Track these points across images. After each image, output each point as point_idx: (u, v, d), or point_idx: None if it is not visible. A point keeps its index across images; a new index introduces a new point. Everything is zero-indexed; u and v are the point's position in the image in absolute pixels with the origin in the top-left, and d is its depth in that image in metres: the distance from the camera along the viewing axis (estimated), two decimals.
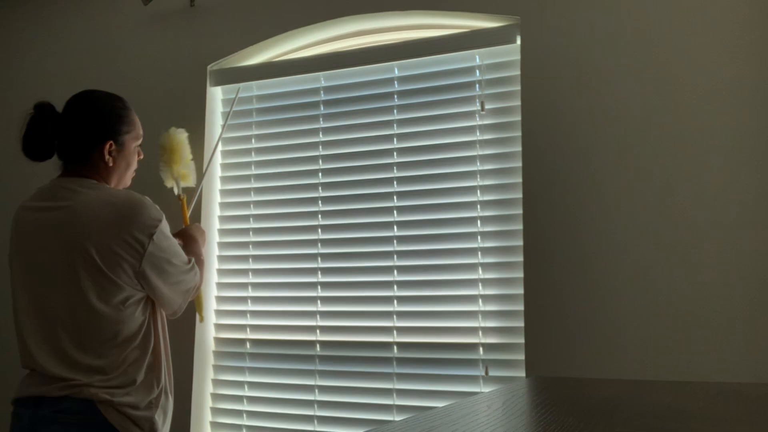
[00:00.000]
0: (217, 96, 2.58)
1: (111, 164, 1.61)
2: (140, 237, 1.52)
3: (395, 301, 2.19)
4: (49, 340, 1.51)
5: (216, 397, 2.41)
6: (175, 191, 2.08)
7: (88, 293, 1.49)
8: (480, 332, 2.06)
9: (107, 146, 1.60)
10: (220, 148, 2.53)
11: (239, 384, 2.37)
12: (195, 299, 1.92)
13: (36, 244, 1.56)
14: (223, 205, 2.50)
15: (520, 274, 2.02)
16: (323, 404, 2.23)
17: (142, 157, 1.74)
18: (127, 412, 1.49)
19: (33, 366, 1.52)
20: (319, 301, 2.29)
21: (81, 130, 1.59)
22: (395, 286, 2.19)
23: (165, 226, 1.59)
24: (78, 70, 2.79)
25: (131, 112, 1.68)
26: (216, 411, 2.41)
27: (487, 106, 2.16)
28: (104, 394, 1.47)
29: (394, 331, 2.17)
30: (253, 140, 2.49)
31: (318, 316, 2.28)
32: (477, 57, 2.20)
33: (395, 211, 2.23)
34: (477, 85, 2.18)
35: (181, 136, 2.07)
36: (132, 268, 1.52)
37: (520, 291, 2.02)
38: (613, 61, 1.96)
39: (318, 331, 2.27)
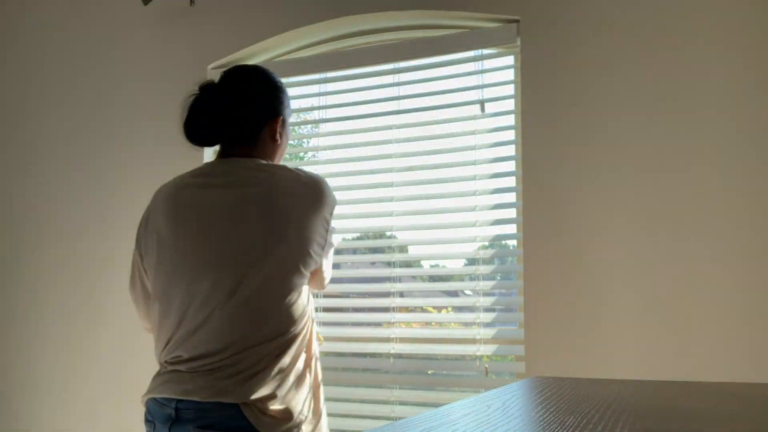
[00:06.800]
0: None
1: (279, 142, 1.46)
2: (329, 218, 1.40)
3: (395, 297, 2.19)
4: None
5: None
6: None
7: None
8: (479, 333, 2.06)
9: (279, 122, 1.45)
10: None
11: None
12: None
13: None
14: None
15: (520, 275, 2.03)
16: None
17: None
18: None
19: None
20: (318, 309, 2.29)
21: (251, 108, 1.42)
22: (396, 281, 2.20)
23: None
24: (78, 70, 2.79)
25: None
26: None
27: (486, 108, 2.16)
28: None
29: (393, 331, 2.17)
30: None
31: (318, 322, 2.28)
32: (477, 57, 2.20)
33: (394, 213, 2.23)
34: (477, 86, 2.18)
35: None
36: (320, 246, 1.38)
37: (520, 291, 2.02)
38: (613, 61, 1.96)
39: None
